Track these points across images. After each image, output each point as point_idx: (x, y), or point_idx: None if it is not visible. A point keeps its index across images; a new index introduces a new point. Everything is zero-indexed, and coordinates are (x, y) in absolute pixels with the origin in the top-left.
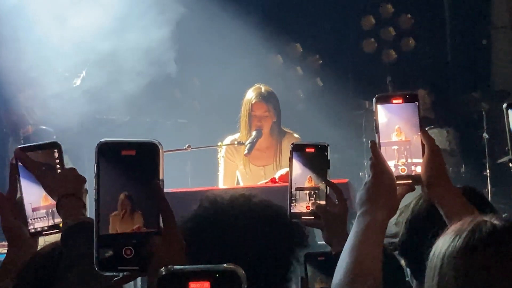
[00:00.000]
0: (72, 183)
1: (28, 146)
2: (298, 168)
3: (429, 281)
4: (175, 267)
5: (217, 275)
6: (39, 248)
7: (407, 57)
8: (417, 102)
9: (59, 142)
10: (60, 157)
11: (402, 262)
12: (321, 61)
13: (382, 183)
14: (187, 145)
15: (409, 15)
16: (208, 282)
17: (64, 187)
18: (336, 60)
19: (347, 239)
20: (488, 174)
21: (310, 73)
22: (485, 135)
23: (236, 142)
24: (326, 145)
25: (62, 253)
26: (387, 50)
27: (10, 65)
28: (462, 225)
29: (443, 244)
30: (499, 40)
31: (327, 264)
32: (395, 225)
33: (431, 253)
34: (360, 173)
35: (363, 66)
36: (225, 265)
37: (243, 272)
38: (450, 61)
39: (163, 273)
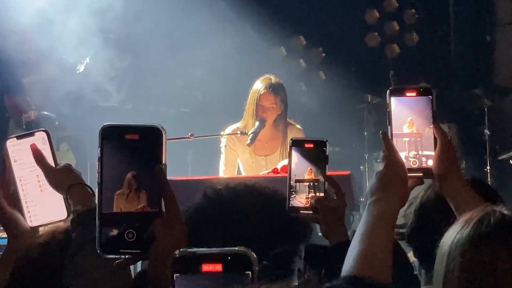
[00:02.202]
0: (75, 174)
1: (18, 135)
2: (298, 161)
3: (437, 268)
4: (188, 249)
5: (229, 258)
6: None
7: (410, 52)
8: (430, 96)
9: (46, 129)
10: (50, 143)
11: (409, 254)
12: (324, 54)
13: (394, 173)
14: (189, 134)
15: (413, 10)
16: (221, 264)
17: (70, 177)
18: (340, 53)
19: (344, 232)
20: (488, 170)
21: (313, 66)
22: (487, 131)
23: (238, 132)
24: (324, 140)
25: (61, 241)
26: (391, 44)
27: (14, 50)
28: (472, 214)
29: (452, 233)
30: (503, 37)
31: (326, 256)
32: (404, 217)
33: (441, 241)
34: (361, 167)
35: (366, 60)
36: (237, 248)
37: (255, 255)
38: (453, 56)
39: (177, 255)
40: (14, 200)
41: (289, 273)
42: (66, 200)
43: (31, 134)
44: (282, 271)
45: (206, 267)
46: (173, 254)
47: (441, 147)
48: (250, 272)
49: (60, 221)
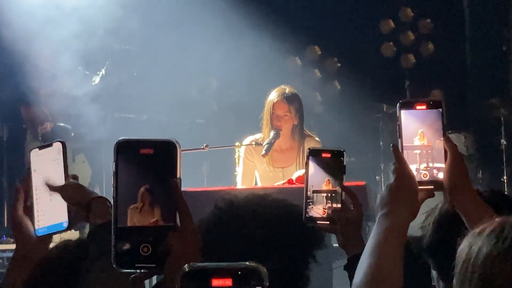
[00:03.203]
0: (87, 189)
1: (40, 146)
2: (315, 171)
3: (458, 281)
4: (197, 264)
5: (239, 272)
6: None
7: (425, 62)
8: (440, 109)
9: (63, 141)
10: (64, 154)
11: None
12: (339, 64)
13: (405, 186)
14: (204, 145)
15: (428, 20)
16: (230, 279)
17: (85, 191)
18: (355, 63)
19: (361, 243)
20: (505, 180)
21: (328, 76)
22: (503, 141)
23: (254, 143)
24: (342, 150)
25: (74, 254)
26: (406, 54)
27: (30, 62)
28: (495, 226)
29: (474, 244)
30: None
31: None
32: (421, 228)
33: (460, 253)
34: (377, 177)
35: (382, 70)
36: (247, 262)
37: (265, 270)
38: (469, 66)
39: (186, 269)
40: (29, 209)
41: (303, 282)
42: (70, 212)
43: (50, 145)
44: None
45: (216, 282)
46: (182, 268)
47: (451, 160)
48: (260, 287)
49: (61, 231)
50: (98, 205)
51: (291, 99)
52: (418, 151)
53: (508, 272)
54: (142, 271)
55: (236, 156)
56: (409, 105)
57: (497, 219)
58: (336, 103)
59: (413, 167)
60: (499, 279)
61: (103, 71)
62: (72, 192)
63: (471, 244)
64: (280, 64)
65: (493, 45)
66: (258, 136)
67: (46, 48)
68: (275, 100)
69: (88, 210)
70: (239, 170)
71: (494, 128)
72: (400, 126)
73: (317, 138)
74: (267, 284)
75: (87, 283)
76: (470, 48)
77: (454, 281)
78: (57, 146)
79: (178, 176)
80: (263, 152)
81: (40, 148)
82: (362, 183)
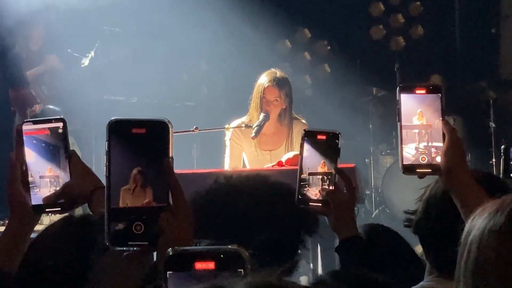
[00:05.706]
0: (95, 177)
1: (35, 120)
2: (311, 153)
3: (463, 257)
4: (181, 248)
5: (221, 256)
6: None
7: (415, 45)
8: (440, 94)
9: (63, 118)
10: (65, 133)
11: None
12: (329, 47)
13: None
14: (194, 127)
15: (418, 3)
16: (213, 262)
17: (94, 181)
18: (345, 46)
19: (354, 226)
20: (494, 163)
21: (318, 59)
22: (492, 124)
23: (243, 125)
24: (337, 132)
25: (77, 230)
26: (396, 37)
27: (20, 44)
28: (503, 201)
29: (482, 221)
30: (508, 29)
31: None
32: (419, 203)
33: (466, 230)
34: (366, 159)
35: (371, 53)
36: (229, 246)
37: (247, 253)
38: (458, 49)
39: (170, 253)
40: (24, 181)
41: (284, 261)
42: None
43: (49, 121)
44: (274, 260)
45: (199, 265)
46: (166, 252)
47: (449, 143)
48: (242, 270)
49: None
50: (99, 195)
51: (282, 84)
52: (416, 130)
53: (502, 247)
54: (135, 249)
55: (226, 139)
56: (409, 89)
57: (509, 197)
58: (326, 86)
59: (412, 146)
60: (492, 254)
61: (92, 53)
62: (78, 182)
63: (473, 220)
64: (270, 47)
65: (483, 28)
66: (244, 119)
67: (34, 30)
68: (266, 85)
69: (90, 200)
70: (227, 152)
71: (483, 111)
72: (399, 110)
73: (303, 121)
74: (249, 267)
75: (101, 272)
76: (459, 31)
77: (458, 259)
78: (58, 124)
79: (170, 155)
80: (253, 134)
81: (35, 122)
82: (352, 165)
